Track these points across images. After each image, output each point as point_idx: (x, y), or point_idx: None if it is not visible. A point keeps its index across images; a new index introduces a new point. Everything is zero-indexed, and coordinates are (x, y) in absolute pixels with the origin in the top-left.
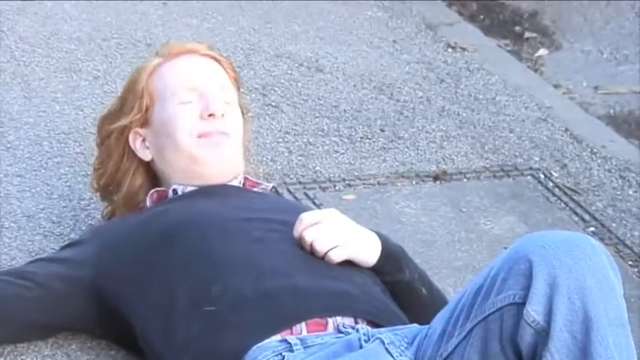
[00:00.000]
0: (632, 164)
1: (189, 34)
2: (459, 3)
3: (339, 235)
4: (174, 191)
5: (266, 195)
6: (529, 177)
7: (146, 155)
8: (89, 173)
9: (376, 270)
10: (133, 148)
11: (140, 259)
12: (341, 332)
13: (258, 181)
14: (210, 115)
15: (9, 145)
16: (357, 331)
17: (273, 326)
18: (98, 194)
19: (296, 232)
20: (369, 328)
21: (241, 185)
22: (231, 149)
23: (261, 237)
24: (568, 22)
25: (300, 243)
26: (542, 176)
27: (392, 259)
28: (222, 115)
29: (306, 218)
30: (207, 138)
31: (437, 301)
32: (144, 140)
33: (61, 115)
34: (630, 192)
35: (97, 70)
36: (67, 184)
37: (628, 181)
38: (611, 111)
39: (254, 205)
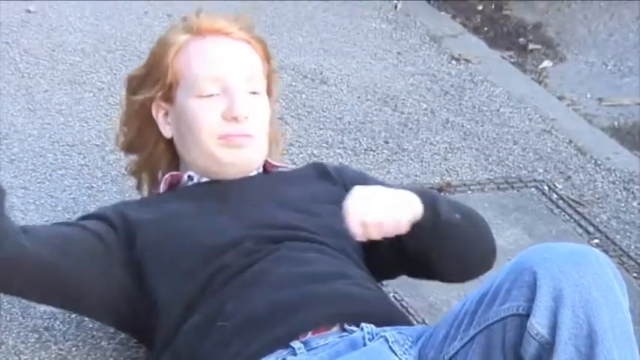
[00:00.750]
0: (636, 176)
1: None
2: (463, 15)
3: (391, 216)
4: (190, 177)
5: (292, 174)
6: (533, 189)
7: (167, 132)
8: (94, 185)
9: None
10: (155, 119)
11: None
12: (345, 331)
13: (279, 164)
14: (233, 118)
15: (13, 157)
16: (362, 329)
17: (282, 340)
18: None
19: (355, 231)
20: (374, 327)
21: (261, 171)
22: (253, 151)
23: (274, 249)
24: (572, 33)
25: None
26: (546, 188)
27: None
28: (247, 117)
29: (353, 218)
30: (228, 140)
31: (471, 220)
32: (166, 114)
33: (65, 128)
34: (634, 204)
35: (101, 82)
36: (72, 196)
37: (632, 192)
38: (616, 123)
39: (278, 195)
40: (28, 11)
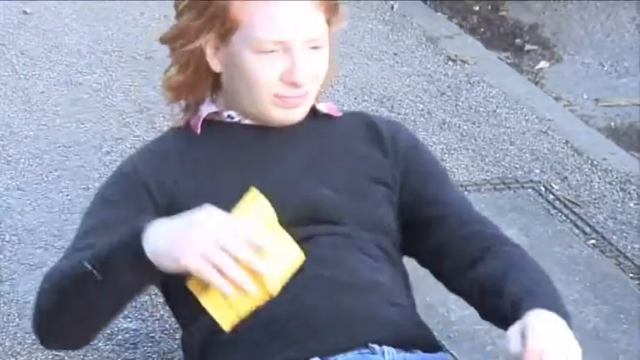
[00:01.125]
0: (632, 176)
1: None
2: (459, 16)
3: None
4: (230, 116)
5: (339, 130)
6: (530, 189)
7: (215, 66)
8: (90, 187)
9: None
10: (202, 49)
11: None
12: (367, 348)
13: (329, 110)
14: (292, 83)
15: (9, 159)
16: (383, 353)
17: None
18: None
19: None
20: (394, 352)
21: (304, 122)
22: (306, 107)
23: (306, 240)
24: (568, 34)
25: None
26: (542, 189)
27: None
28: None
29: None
30: (284, 102)
31: None
32: (217, 49)
33: (61, 129)
34: (631, 204)
35: (97, 84)
36: (68, 197)
37: (629, 193)
38: (612, 123)
39: (319, 166)
40: (25, 13)
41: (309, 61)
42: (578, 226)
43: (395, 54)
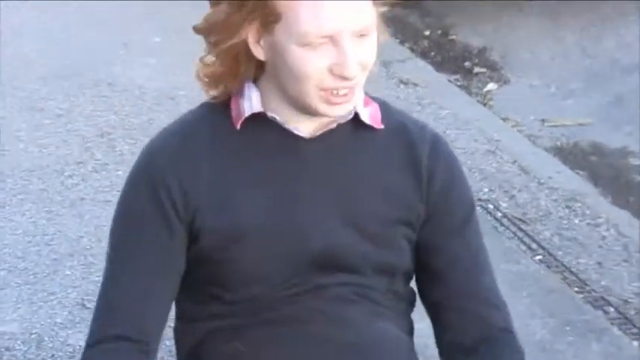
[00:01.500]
0: (578, 194)
1: (148, 71)
2: (411, 40)
3: None
4: (273, 118)
5: (377, 152)
6: (478, 208)
7: (259, 54)
8: (53, 209)
9: None
10: (245, 40)
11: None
12: None
13: (372, 121)
14: (342, 77)
15: None
16: None
17: None
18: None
19: None
20: None
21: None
22: (352, 102)
23: (317, 290)
24: (516, 57)
25: None
26: (491, 206)
27: None
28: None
29: None
30: (332, 96)
31: None
32: (261, 38)
33: (24, 153)
34: (576, 221)
35: (59, 109)
36: (31, 219)
37: (574, 210)
38: (558, 143)
39: (345, 203)
40: None
41: (359, 52)
42: (525, 243)
43: None
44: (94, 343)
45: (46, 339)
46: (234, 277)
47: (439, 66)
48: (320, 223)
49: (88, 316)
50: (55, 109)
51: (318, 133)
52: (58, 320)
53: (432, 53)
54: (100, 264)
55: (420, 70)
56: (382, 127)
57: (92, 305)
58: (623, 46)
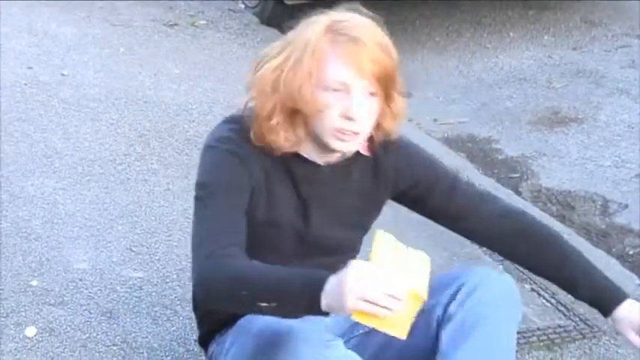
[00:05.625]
0: (460, 168)
1: (170, 93)
2: None
3: None
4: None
5: (356, 184)
6: None
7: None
8: (108, 186)
9: None
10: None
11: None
12: None
13: (363, 149)
14: (348, 118)
15: (56, 169)
16: None
17: None
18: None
19: None
20: None
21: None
22: (355, 144)
23: None
24: (415, 78)
25: None
26: None
27: None
28: (360, 119)
29: None
30: (341, 134)
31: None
32: None
33: (89, 149)
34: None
35: (112, 119)
36: (94, 193)
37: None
38: (446, 135)
39: (340, 213)
40: (63, 75)
41: (365, 107)
42: None
43: None
44: (209, 253)
45: (106, 272)
46: (266, 245)
47: None
48: (326, 229)
49: (135, 257)
50: (109, 119)
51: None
52: (114, 260)
53: None
54: (142, 223)
55: None
56: (367, 154)
57: (137, 250)
58: (487, 69)
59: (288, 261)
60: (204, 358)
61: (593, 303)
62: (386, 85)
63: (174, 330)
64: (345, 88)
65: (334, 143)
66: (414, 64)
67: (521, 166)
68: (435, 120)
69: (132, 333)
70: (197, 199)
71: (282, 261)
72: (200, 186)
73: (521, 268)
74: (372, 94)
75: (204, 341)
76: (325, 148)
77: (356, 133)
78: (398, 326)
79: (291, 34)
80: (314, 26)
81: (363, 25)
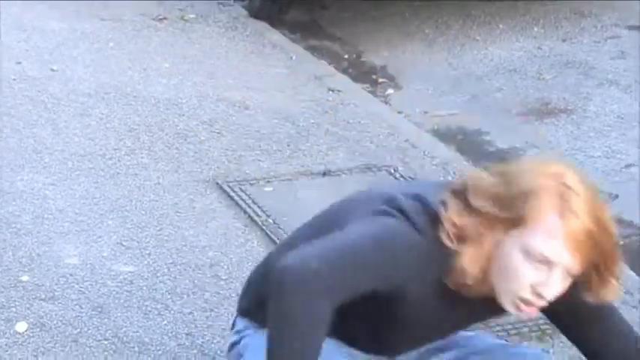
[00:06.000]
0: (450, 160)
1: (160, 87)
2: (335, 62)
3: None
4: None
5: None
6: (384, 171)
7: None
8: (98, 181)
9: None
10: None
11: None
12: None
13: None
14: (539, 295)
15: (45, 164)
16: None
17: None
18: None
19: None
20: None
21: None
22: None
23: None
24: (405, 71)
25: None
26: (392, 170)
27: None
28: (551, 298)
29: None
30: (522, 307)
31: None
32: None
33: (79, 144)
34: (449, 177)
35: (102, 114)
36: (84, 188)
37: (447, 171)
38: (436, 127)
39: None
40: (52, 70)
41: (560, 287)
42: None
43: (294, 87)
44: (323, 288)
45: (96, 267)
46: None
47: (355, 78)
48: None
49: (126, 251)
50: (99, 113)
51: None
52: (105, 254)
53: (350, 70)
54: (132, 217)
55: (342, 81)
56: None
57: (127, 244)
58: (477, 61)
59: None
60: (194, 352)
61: None
62: (596, 269)
63: (165, 324)
64: (548, 264)
65: (509, 308)
66: (403, 57)
67: (512, 157)
68: (425, 112)
69: (123, 327)
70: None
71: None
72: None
73: None
74: (572, 275)
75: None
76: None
77: (538, 308)
78: None
79: (515, 174)
80: (545, 182)
81: (586, 200)
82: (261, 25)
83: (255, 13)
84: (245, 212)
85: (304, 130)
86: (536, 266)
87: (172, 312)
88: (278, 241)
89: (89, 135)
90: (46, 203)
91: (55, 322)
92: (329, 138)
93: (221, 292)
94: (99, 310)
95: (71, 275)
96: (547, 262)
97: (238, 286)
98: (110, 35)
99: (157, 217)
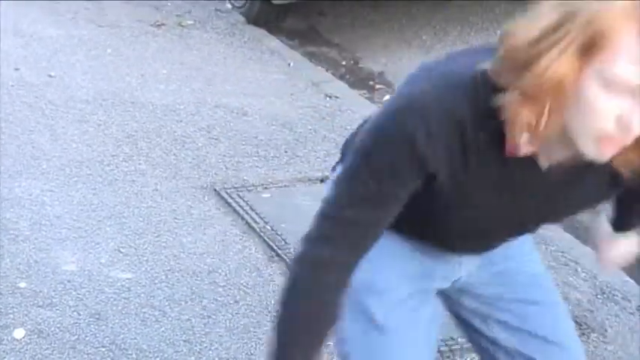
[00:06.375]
0: None
1: (157, 93)
2: (333, 68)
3: None
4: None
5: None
6: None
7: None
8: (96, 187)
9: None
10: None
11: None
12: None
13: None
14: (625, 129)
15: (43, 170)
16: None
17: None
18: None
19: None
20: None
21: None
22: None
23: None
24: (403, 77)
25: None
26: None
27: None
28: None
29: None
30: (604, 148)
31: None
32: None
33: (77, 150)
34: None
35: (100, 120)
36: (82, 194)
37: None
38: None
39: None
40: (50, 76)
41: None
42: None
43: (292, 94)
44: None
45: (94, 273)
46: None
47: (352, 84)
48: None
49: (123, 258)
50: (97, 120)
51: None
52: (102, 261)
53: (347, 76)
54: (130, 224)
55: (340, 87)
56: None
57: (125, 251)
58: None
59: None
60: (192, 359)
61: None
62: None
63: (162, 331)
64: (632, 93)
65: (590, 148)
66: (401, 63)
67: None
68: None
69: (120, 334)
70: None
71: None
72: None
73: None
74: None
75: None
76: (565, 147)
77: (621, 146)
78: None
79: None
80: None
81: None
82: (259, 32)
83: (253, 20)
84: (243, 219)
85: (302, 137)
86: (619, 97)
87: (170, 319)
88: (275, 248)
89: (87, 141)
90: (44, 210)
91: (52, 328)
92: (326, 144)
93: (219, 298)
94: (97, 316)
95: (69, 282)
96: (631, 91)
97: (236, 293)
98: (108, 42)
99: (154, 224)
